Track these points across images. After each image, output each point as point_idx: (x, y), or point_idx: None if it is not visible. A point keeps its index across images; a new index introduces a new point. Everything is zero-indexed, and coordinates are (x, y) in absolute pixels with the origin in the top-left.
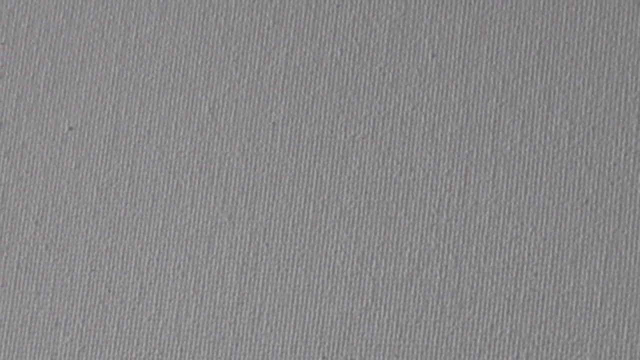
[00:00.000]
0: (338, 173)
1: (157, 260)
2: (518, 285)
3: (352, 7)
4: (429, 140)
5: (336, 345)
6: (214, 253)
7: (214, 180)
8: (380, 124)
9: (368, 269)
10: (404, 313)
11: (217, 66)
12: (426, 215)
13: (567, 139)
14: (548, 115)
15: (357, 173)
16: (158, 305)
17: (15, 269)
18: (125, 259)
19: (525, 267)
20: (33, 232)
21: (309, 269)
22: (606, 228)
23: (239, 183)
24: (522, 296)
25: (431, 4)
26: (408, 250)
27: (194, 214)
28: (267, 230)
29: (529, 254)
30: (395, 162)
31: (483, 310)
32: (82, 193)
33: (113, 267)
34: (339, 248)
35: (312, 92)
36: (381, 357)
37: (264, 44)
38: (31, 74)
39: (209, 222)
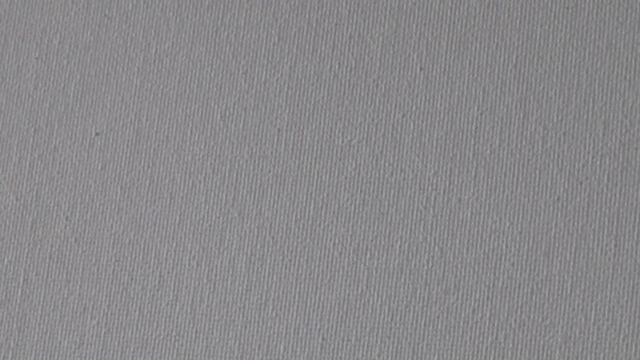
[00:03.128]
0: (336, 174)
1: (175, 251)
2: (497, 274)
3: (348, 25)
4: (417, 144)
5: (334, 327)
6: (225, 245)
7: (225, 180)
8: (374, 129)
9: (363, 260)
10: (395, 299)
11: (228, 78)
12: (415, 212)
13: (540, 143)
14: (524, 122)
15: (353, 174)
16: (175, 292)
17: (47, 260)
18: (145, 250)
19: (503, 257)
20: (64, 226)
21: (310, 259)
22: (575, 223)
23: (248, 182)
24: (500, 284)
25: (419, 23)
26: (399, 242)
27: (207, 210)
28: (273, 224)
29: (506, 246)
30: (387, 164)
31: (465, 297)
32: (107, 192)
33: (135, 257)
34: (337, 241)
35: (312, 101)
36: (375, 338)
37: (269, 58)
38: (62, 85)
39: (221, 218)
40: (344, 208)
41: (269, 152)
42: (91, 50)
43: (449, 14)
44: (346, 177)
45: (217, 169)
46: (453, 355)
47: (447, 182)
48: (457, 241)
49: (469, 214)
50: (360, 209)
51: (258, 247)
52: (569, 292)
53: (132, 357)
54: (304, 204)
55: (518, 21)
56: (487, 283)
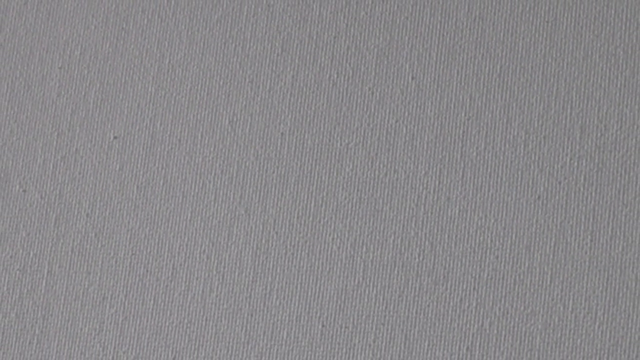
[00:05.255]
0: (335, 174)
1: (186, 245)
2: (482, 267)
3: (346, 38)
4: (409, 147)
5: (333, 315)
6: (233, 240)
7: (233, 180)
8: (369, 133)
9: (359, 253)
10: (389, 289)
11: (236, 86)
12: (407, 209)
13: (522, 146)
14: (507, 126)
15: (350, 174)
16: (187, 283)
17: (69, 253)
18: (160, 244)
19: (488, 251)
20: (84, 222)
21: (310, 253)
22: (555, 219)
23: (254, 182)
24: (485, 275)
25: (411, 36)
26: (392, 237)
27: (216, 207)
28: (277, 221)
29: (491, 241)
30: (381, 166)
31: (454, 287)
32: (124, 190)
33: (150, 251)
34: (335, 236)
35: (313, 108)
36: (370, 325)
37: (273, 68)
38: (83, 93)
39: (229, 215)
40: (342, 206)
41: (273, 154)
42: (110, 60)
43: (438, 27)
44: (344, 177)
45: (225, 170)
46: (442, 341)
47: (437, 182)
48: (446, 236)
49: (457, 211)
50: (357, 207)
51: (263, 241)
52: (548, 283)
53: (147, 342)
54: (305, 202)
55: (502, 34)
56: (473, 275)
